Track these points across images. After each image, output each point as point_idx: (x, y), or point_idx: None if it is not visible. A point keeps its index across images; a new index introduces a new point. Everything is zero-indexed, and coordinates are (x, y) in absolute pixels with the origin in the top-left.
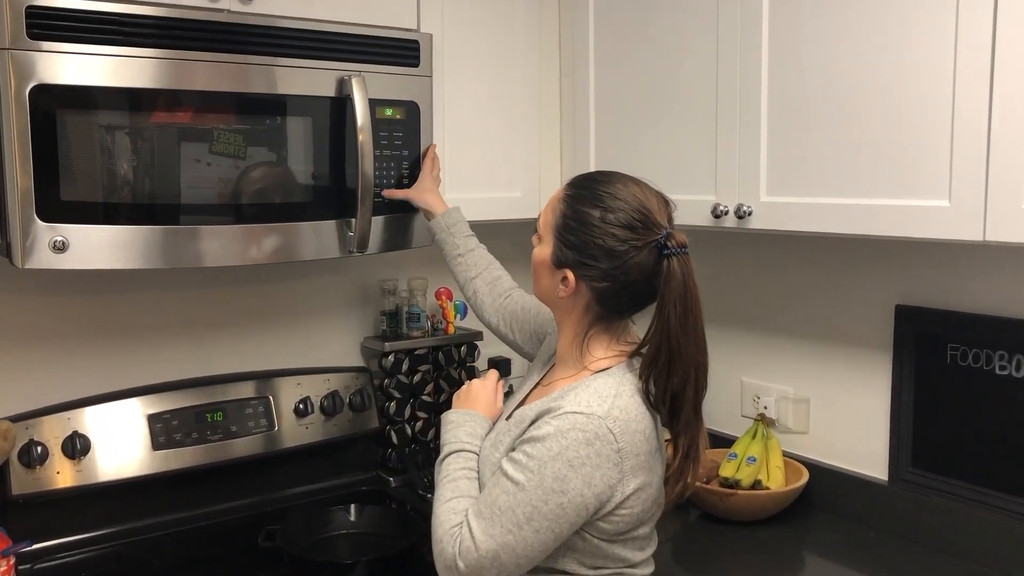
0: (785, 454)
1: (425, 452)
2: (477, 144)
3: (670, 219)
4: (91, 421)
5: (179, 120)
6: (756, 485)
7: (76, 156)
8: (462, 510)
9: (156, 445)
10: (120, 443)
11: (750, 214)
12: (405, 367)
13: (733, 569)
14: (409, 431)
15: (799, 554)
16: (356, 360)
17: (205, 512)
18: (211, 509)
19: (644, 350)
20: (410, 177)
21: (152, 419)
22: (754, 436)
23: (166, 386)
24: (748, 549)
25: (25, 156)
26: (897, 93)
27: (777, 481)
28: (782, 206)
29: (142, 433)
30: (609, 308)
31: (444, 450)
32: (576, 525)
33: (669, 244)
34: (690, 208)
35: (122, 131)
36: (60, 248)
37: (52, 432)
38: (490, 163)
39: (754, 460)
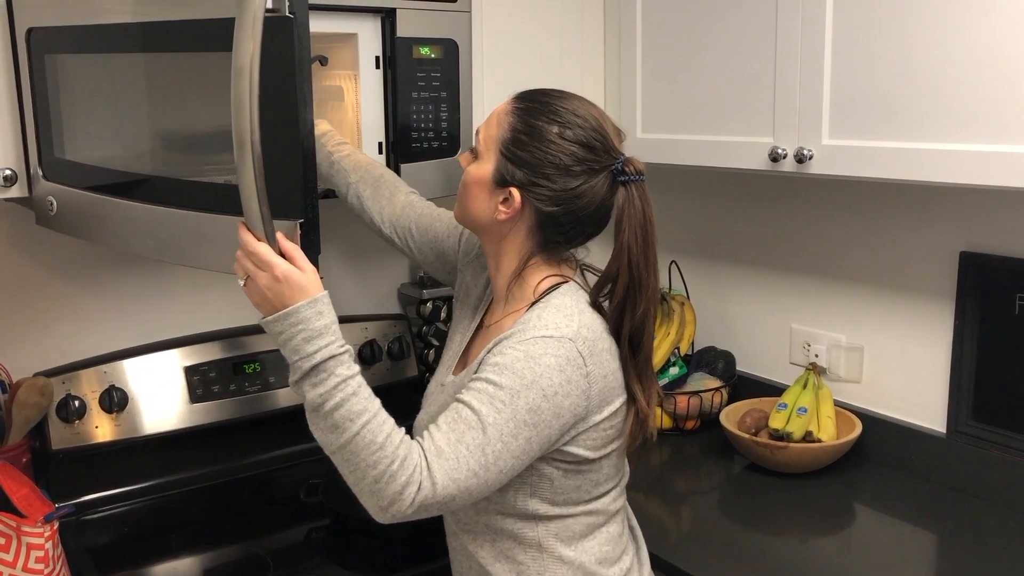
0: (836, 403)
1: None
2: (518, 82)
3: (622, 148)
4: (128, 374)
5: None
6: (807, 436)
7: (73, 108)
8: (402, 441)
9: (194, 398)
10: (158, 396)
11: (811, 158)
12: (443, 314)
13: (784, 522)
14: None
15: (851, 506)
16: (393, 307)
17: (245, 464)
18: (251, 460)
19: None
20: (449, 120)
21: (189, 371)
22: (804, 385)
23: (202, 337)
24: (798, 502)
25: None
26: (981, 29)
27: (828, 432)
28: (845, 150)
29: (180, 386)
30: (551, 234)
31: (314, 356)
32: (527, 465)
33: (627, 170)
34: (745, 151)
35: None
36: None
37: (89, 386)
38: None
39: (805, 411)
